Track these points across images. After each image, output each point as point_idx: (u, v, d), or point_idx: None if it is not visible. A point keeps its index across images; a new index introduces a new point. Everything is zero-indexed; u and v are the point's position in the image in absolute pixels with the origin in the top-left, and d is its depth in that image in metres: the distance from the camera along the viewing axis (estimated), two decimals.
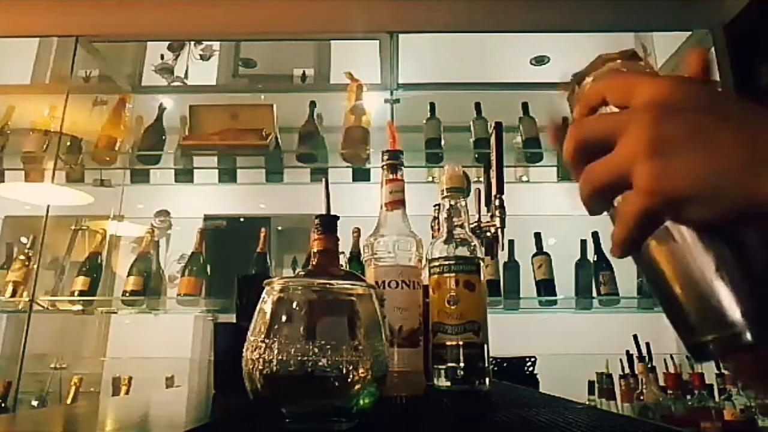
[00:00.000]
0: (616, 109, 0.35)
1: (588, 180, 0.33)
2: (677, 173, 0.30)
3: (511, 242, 2.07)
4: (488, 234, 0.95)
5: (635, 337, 1.83)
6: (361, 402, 0.44)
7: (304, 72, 2.79)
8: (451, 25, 2.13)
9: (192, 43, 2.53)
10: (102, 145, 2.19)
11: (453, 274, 0.76)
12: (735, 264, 0.34)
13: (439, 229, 0.88)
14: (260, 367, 0.42)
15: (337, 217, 0.53)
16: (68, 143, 2.14)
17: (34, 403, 2.11)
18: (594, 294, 2.01)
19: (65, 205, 2.21)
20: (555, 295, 2.01)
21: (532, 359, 1.70)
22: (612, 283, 1.98)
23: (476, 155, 2.13)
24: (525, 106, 2.23)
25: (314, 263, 0.52)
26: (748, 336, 0.33)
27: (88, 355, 2.52)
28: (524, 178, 2.34)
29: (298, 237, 2.80)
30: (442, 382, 0.73)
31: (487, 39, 2.47)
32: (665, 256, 0.36)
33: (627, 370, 1.84)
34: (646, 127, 0.30)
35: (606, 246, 1.75)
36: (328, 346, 0.42)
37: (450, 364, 0.73)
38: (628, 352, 1.85)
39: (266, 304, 0.46)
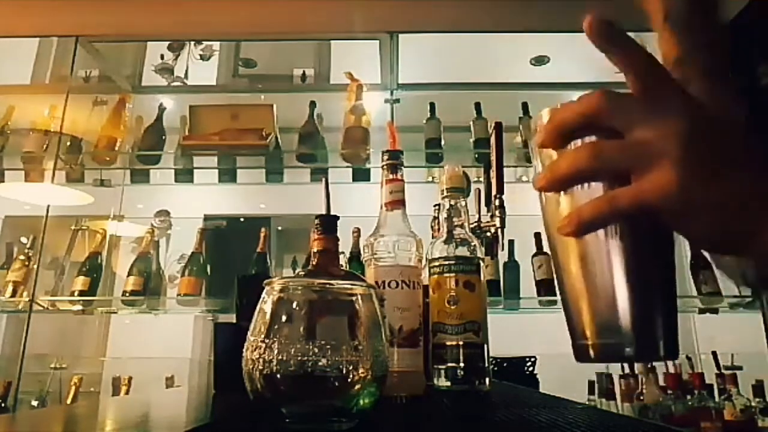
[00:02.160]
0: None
1: (603, 205, 0.33)
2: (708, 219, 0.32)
3: (511, 242, 2.07)
4: (488, 234, 0.95)
5: None
6: (361, 402, 0.44)
7: (304, 72, 2.78)
8: (451, 25, 2.13)
9: (192, 43, 2.53)
10: (102, 145, 2.19)
11: (453, 274, 0.76)
12: (644, 280, 0.34)
13: (439, 229, 0.88)
14: (260, 367, 0.42)
15: (337, 217, 0.53)
16: (68, 143, 2.14)
17: (34, 403, 2.11)
18: None
19: (65, 205, 2.21)
20: (555, 295, 2.01)
21: (532, 359, 1.70)
22: None
23: (476, 155, 2.13)
24: (525, 106, 2.23)
25: (314, 263, 0.52)
26: (630, 350, 0.34)
27: (88, 355, 2.53)
28: (524, 178, 2.34)
29: (298, 237, 2.80)
30: (442, 382, 0.73)
31: (487, 39, 2.47)
32: (583, 249, 0.36)
33: (627, 370, 1.84)
34: (678, 165, 0.31)
35: None
36: (328, 346, 0.42)
37: (450, 364, 0.73)
38: None
39: (266, 304, 0.46)
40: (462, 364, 0.72)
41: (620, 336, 0.34)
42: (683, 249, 2.13)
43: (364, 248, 0.75)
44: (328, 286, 0.46)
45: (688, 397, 1.71)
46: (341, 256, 1.62)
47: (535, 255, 2.05)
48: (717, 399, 1.68)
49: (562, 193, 0.36)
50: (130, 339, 2.47)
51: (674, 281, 0.36)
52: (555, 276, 0.39)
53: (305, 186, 2.24)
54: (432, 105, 2.25)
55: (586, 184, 0.35)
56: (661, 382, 1.77)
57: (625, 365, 1.84)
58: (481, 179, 1.27)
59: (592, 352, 0.36)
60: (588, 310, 0.36)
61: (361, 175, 2.15)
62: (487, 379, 0.74)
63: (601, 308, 0.35)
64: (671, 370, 1.80)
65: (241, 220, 2.82)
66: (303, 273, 0.53)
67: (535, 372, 1.70)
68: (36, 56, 2.65)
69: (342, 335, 0.44)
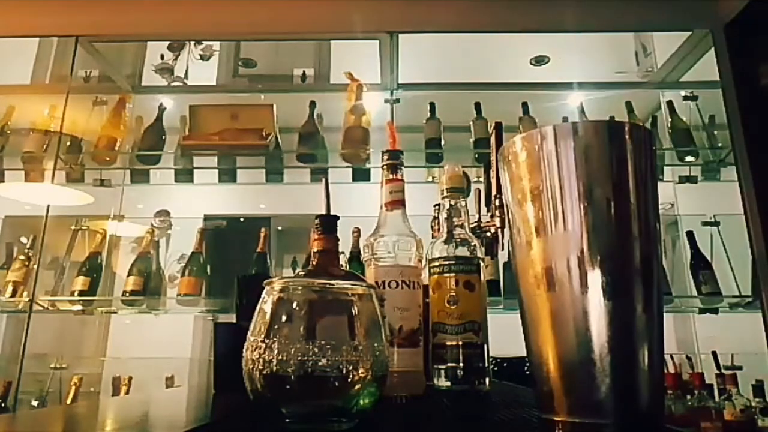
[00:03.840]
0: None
1: None
2: None
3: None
4: (488, 234, 0.95)
5: None
6: (361, 402, 0.44)
7: (304, 72, 2.78)
8: (451, 25, 2.13)
9: (192, 43, 2.53)
10: (102, 145, 2.19)
11: (453, 274, 0.76)
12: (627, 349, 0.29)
13: (439, 229, 0.88)
14: (260, 367, 0.42)
15: (337, 217, 0.53)
16: (68, 143, 2.14)
17: (34, 403, 2.11)
18: None
19: (65, 205, 2.21)
20: None
21: None
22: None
23: (476, 155, 2.13)
24: (525, 106, 2.23)
25: (314, 263, 0.51)
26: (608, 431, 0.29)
27: (88, 355, 2.52)
28: None
29: (298, 237, 2.80)
30: (442, 382, 0.73)
31: (487, 39, 2.47)
32: (557, 305, 0.31)
33: None
34: None
35: None
36: (328, 346, 0.42)
37: (450, 364, 0.73)
38: None
39: (266, 304, 0.46)
40: (462, 364, 0.72)
41: (598, 415, 0.29)
42: (683, 249, 2.13)
43: (364, 248, 0.75)
44: (328, 286, 0.46)
45: (688, 397, 1.71)
46: (341, 256, 1.62)
47: None
48: (717, 399, 1.68)
49: (534, 236, 0.33)
50: (130, 339, 2.47)
51: (662, 341, 0.32)
52: (522, 330, 0.34)
53: (305, 186, 2.24)
54: (432, 105, 2.25)
55: (561, 229, 0.31)
56: None
57: None
58: (481, 179, 1.27)
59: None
60: (560, 381, 0.30)
61: (361, 175, 2.15)
62: (487, 379, 0.74)
63: (576, 379, 0.30)
64: (671, 370, 1.80)
65: (241, 220, 2.82)
66: (303, 273, 0.53)
67: None
68: (36, 56, 2.65)
69: (342, 335, 0.44)
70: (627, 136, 0.33)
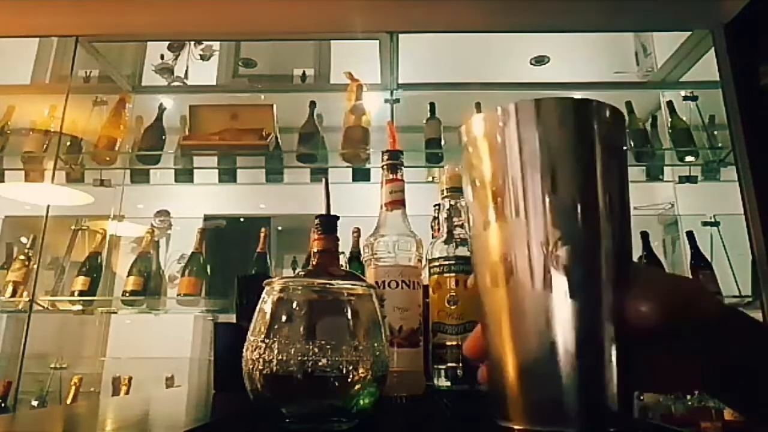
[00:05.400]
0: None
1: None
2: None
3: None
4: None
5: None
6: (361, 402, 0.44)
7: (304, 72, 2.78)
8: (451, 25, 2.13)
9: (192, 43, 2.53)
10: (102, 145, 2.19)
11: (453, 274, 0.76)
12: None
13: (439, 229, 0.88)
14: (260, 367, 0.42)
15: (337, 217, 0.53)
16: (68, 143, 2.14)
17: (34, 403, 2.11)
18: None
19: (65, 205, 2.21)
20: None
21: None
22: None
23: None
24: None
25: (314, 263, 0.51)
26: None
27: (88, 355, 2.52)
28: None
29: (298, 237, 2.80)
30: (442, 382, 0.73)
31: (487, 39, 2.47)
32: (517, 303, 0.28)
33: None
34: None
35: None
36: (328, 346, 0.42)
37: (450, 364, 0.73)
38: None
39: (266, 304, 0.46)
40: (462, 364, 0.72)
41: (560, 422, 0.27)
42: (683, 249, 2.13)
43: (364, 248, 0.75)
44: (328, 286, 0.46)
45: (688, 397, 1.71)
46: (341, 256, 1.62)
47: None
48: None
49: (492, 226, 0.29)
50: (130, 339, 2.47)
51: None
52: (482, 331, 0.32)
53: (305, 186, 2.24)
54: (432, 105, 2.25)
55: (522, 218, 0.28)
56: None
57: None
58: None
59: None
60: (518, 384, 0.28)
61: (361, 175, 2.15)
62: None
63: (535, 382, 0.27)
64: None
65: (241, 220, 2.82)
66: (303, 273, 0.53)
67: None
68: (36, 56, 2.65)
69: (342, 335, 0.44)
70: (595, 115, 0.31)
